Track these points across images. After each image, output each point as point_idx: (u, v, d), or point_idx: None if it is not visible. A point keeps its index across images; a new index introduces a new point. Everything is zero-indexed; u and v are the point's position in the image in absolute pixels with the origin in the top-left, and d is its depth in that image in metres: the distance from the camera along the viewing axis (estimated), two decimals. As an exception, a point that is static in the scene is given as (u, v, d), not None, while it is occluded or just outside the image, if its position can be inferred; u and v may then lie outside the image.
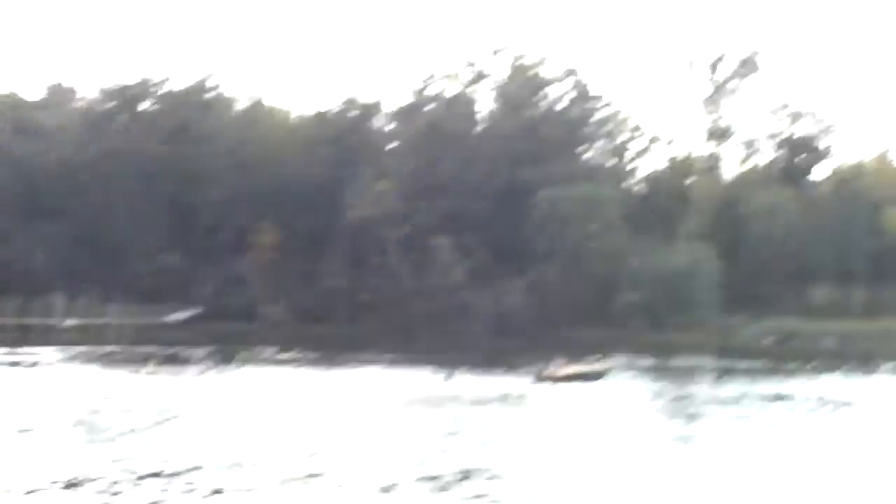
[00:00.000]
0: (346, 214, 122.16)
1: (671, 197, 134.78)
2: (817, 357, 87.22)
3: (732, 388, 59.13)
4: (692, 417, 45.06)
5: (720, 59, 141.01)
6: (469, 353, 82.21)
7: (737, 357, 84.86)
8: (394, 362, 71.50)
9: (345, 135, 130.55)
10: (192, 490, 26.08)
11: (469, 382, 56.90)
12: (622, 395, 54.81)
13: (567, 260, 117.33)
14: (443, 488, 26.99)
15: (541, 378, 59.01)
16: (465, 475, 28.85)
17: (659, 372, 71.89)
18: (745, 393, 55.95)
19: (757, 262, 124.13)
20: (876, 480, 30.29)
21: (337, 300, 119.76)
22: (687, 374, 71.82)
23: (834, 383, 65.18)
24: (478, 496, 26.53)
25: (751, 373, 70.94)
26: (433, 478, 28.66)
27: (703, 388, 60.48)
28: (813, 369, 74.82)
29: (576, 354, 67.46)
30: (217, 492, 26.03)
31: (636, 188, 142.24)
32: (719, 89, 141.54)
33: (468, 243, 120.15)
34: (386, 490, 26.88)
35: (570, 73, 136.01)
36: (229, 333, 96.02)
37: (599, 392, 55.59)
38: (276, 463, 30.00)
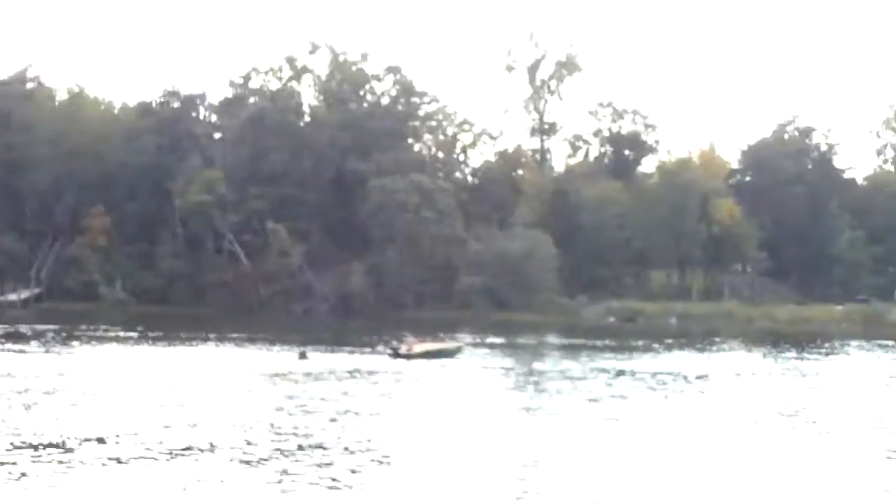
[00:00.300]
0: (177, 201, 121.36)
1: (503, 188, 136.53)
2: (661, 335, 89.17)
3: (582, 363, 59.78)
4: (548, 391, 45.56)
5: (540, 60, 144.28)
6: (316, 332, 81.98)
7: (582, 336, 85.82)
8: (242, 341, 70.67)
9: (169, 124, 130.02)
10: (61, 463, 25.53)
11: (324, 360, 56.43)
12: (478, 370, 55.10)
13: (405, 245, 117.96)
14: (319, 463, 26.69)
15: (397, 355, 58.70)
16: (338, 449, 28.71)
17: (509, 349, 72.37)
18: (595, 368, 56.65)
19: (593, 249, 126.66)
20: (714, 447, 31.21)
21: (176, 282, 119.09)
22: (537, 351, 72.57)
23: (680, 358, 66.49)
24: (359, 467, 26.58)
25: (598, 350, 71.72)
26: (310, 449, 28.73)
27: (555, 364, 60.81)
28: (657, 346, 76.20)
29: (424, 333, 67.51)
30: (83, 464, 25.60)
31: (468, 179, 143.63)
32: (539, 90, 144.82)
33: (303, 228, 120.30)
34: (262, 461, 26.75)
35: (393, 70, 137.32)
36: (70, 313, 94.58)
37: (456, 367, 55.71)
38: (138, 438, 29.36)
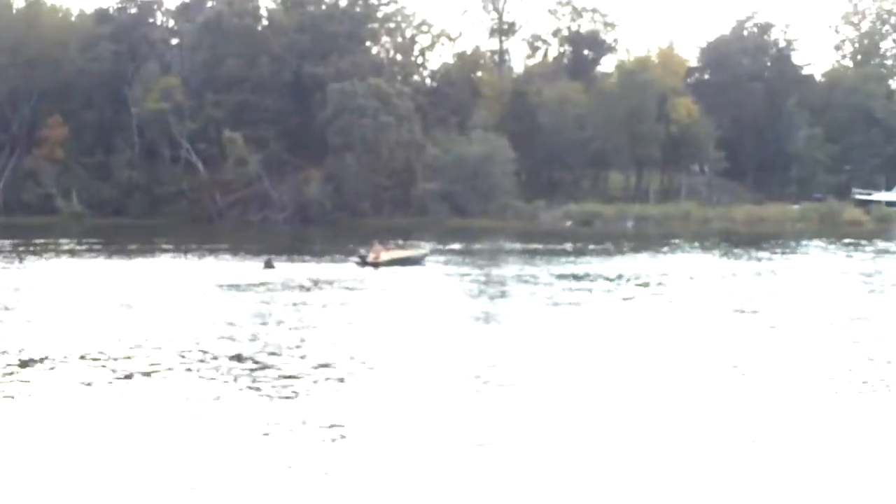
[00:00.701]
0: (134, 109, 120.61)
1: (461, 90, 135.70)
2: (618, 238, 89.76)
3: (542, 268, 60.47)
4: (510, 297, 46.55)
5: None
6: (276, 241, 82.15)
7: (540, 240, 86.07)
8: (203, 252, 70.45)
9: (126, 31, 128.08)
10: (20, 382, 25.75)
11: (290, 269, 56.47)
12: (441, 277, 55.58)
13: (363, 151, 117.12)
14: (287, 375, 27.05)
15: (364, 263, 59.05)
16: (305, 361, 29.12)
17: (470, 255, 72.62)
18: (555, 273, 57.30)
19: (551, 151, 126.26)
20: (671, 348, 31.73)
21: (133, 193, 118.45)
22: (498, 256, 72.88)
23: (637, 261, 67.13)
24: (326, 379, 26.88)
25: (556, 254, 72.20)
26: (278, 360, 29.14)
27: (515, 269, 61.15)
28: (615, 250, 76.76)
29: (383, 240, 67.76)
30: (42, 382, 25.96)
31: (426, 82, 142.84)
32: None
33: (260, 135, 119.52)
34: (229, 375, 27.11)
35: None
36: (27, 227, 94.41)
37: (421, 275, 56.13)
38: (100, 354, 29.65)
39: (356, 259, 60.21)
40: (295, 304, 41.41)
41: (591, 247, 78.95)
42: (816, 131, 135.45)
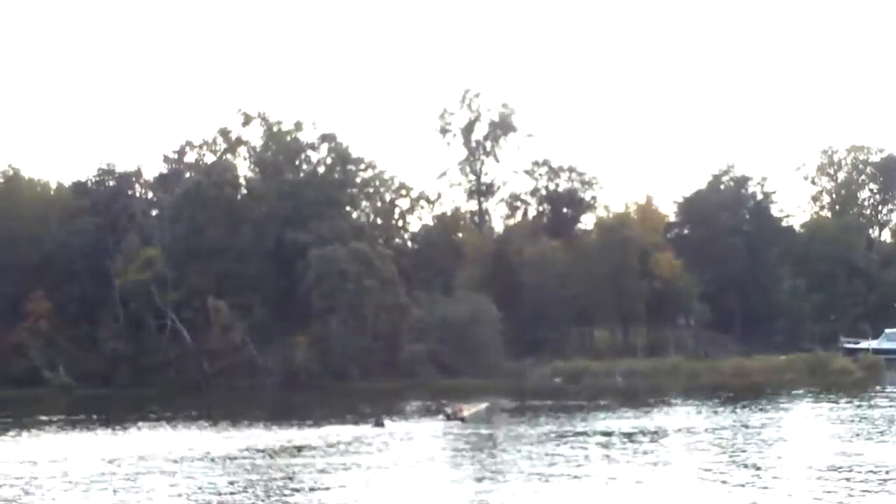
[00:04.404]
0: (116, 281, 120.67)
1: (443, 251, 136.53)
2: (608, 394, 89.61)
3: (531, 426, 61.35)
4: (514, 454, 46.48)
5: (473, 121, 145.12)
6: (276, 407, 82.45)
7: (530, 398, 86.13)
8: (229, 419, 70.88)
9: (105, 203, 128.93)
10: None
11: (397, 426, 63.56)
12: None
13: (348, 314, 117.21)
14: None
15: (448, 418, 67.72)
16: None
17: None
18: (546, 431, 57.94)
19: (536, 309, 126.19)
20: None
21: (120, 363, 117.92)
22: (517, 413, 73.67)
23: (628, 417, 67.13)
24: None
25: (546, 411, 72.54)
26: None
27: (505, 429, 61.70)
28: (605, 405, 76.73)
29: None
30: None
31: (408, 244, 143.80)
32: (474, 151, 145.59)
33: (245, 303, 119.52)
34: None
35: (328, 137, 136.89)
36: (15, 400, 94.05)
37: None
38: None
39: (442, 416, 68.59)
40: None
41: (584, 404, 78.93)
42: (800, 283, 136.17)
